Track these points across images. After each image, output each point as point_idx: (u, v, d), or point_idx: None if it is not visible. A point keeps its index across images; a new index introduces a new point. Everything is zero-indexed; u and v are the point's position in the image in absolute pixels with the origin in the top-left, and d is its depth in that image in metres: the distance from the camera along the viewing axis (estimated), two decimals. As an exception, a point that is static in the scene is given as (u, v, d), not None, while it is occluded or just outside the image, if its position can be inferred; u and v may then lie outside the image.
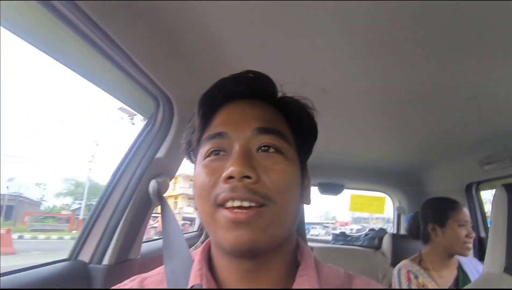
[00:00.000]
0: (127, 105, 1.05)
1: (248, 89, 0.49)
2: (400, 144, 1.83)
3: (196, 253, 0.51)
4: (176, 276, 0.51)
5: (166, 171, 1.09)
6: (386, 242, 2.21)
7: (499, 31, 0.75)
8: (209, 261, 0.48)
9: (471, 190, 1.97)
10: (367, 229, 2.77)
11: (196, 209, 0.47)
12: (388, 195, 2.76)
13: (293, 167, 0.45)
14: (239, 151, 0.42)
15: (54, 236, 7.69)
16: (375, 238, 2.45)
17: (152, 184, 1.02)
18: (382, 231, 2.51)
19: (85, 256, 0.93)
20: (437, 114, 1.33)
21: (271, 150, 0.44)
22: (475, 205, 1.95)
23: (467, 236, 1.31)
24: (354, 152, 2.08)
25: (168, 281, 0.50)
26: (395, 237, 2.19)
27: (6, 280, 0.68)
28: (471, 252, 1.34)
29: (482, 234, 1.90)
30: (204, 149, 0.46)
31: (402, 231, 2.56)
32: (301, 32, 0.83)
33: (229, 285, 0.45)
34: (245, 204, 0.40)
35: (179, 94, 1.03)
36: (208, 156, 0.45)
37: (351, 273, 0.51)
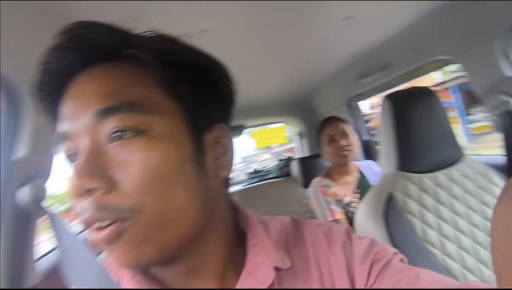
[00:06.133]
0: None
1: (81, 57, 0.34)
2: (286, 73, 1.87)
3: None
4: None
5: (38, 171, 0.85)
6: (295, 168, 2.42)
7: None
8: None
9: (352, 103, 2.24)
10: (277, 160, 2.97)
11: None
12: (287, 123, 2.96)
13: (169, 144, 0.32)
14: (82, 154, 0.31)
15: None
16: (283, 167, 2.65)
17: (25, 193, 0.78)
18: (289, 159, 2.72)
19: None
20: (314, 37, 1.36)
21: (128, 134, 0.31)
22: (356, 115, 2.26)
23: (337, 148, 1.54)
24: (246, 90, 2.08)
25: None
26: (301, 160, 2.40)
27: None
28: (354, 156, 1.57)
29: (366, 137, 2.24)
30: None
31: (307, 154, 2.84)
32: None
33: (173, 284, 0.37)
34: (105, 223, 0.30)
35: (17, 69, 0.75)
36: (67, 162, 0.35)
37: (297, 218, 0.47)
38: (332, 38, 1.40)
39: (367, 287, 0.37)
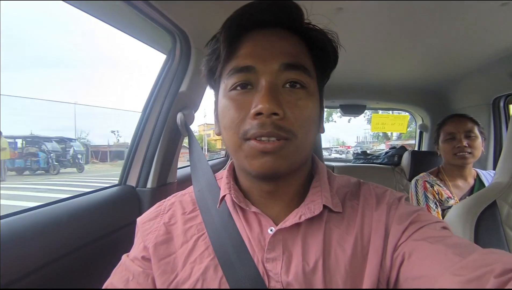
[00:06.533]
0: (145, 43, 1.07)
1: (276, 18, 0.47)
2: (423, 58, 1.73)
3: (221, 174, 0.61)
4: (203, 194, 0.60)
5: (190, 104, 1.16)
6: (405, 159, 2.29)
7: None
8: (235, 178, 0.56)
9: (499, 104, 1.91)
10: (389, 148, 2.84)
11: (218, 134, 0.53)
12: (410, 113, 2.74)
13: (314, 101, 0.47)
14: (267, 87, 0.43)
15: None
16: (395, 155, 2.52)
17: (179, 116, 1.10)
18: (402, 149, 2.57)
19: (132, 181, 1.08)
20: (465, 22, 1.24)
21: (297, 86, 0.45)
22: (501, 119, 1.92)
23: (455, 147, 1.40)
24: (375, 71, 2.01)
25: (197, 198, 0.59)
26: (414, 153, 2.25)
27: (70, 204, 0.82)
28: (473, 160, 1.41)
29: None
30: (230, 80, 0.47)
31: (424, 148, 2.61)
32: None
33: (252, 200, 0.53)
34: (272, 139, 0.43)
35: (194, 27, 1.03)
36: (235, 88, 0.46)
37: (362, 181, 0.57)
38: (485, 25, 1.24)
39: (398, 244, 0.45)
